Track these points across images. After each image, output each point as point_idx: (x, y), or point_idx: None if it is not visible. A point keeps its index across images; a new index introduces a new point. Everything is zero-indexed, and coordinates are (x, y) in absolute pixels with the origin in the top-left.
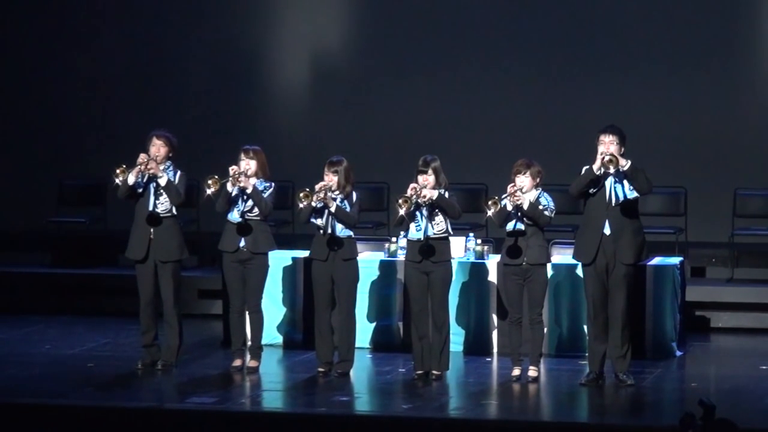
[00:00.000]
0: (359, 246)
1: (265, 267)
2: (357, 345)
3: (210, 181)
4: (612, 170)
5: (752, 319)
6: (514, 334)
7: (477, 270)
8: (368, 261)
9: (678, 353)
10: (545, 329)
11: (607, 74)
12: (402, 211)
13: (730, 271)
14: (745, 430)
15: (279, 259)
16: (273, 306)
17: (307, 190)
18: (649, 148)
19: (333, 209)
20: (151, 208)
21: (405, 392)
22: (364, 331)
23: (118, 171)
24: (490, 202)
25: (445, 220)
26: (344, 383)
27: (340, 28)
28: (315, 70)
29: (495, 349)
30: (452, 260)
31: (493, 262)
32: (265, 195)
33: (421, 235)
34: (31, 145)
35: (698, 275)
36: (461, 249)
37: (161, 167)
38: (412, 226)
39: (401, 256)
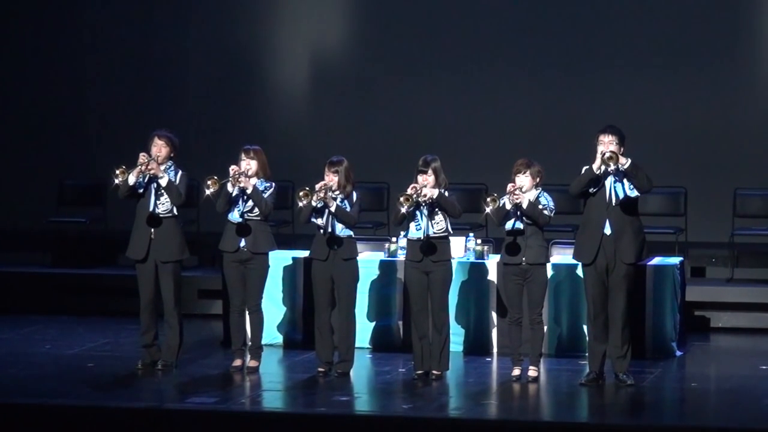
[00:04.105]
0: (359, 246)
1: (265, 267)
2: (357, 345)
3: (209, 182)
4: (612, 167)
5: (752, 319)
6: (514, 334)
7: (477, 270)
8: (368, 261)
9: (678, 353)
10: (545, 329)
11: (607, 74)
12: (403, 210)
13: (730, 271)
14: (745, 430)
15: (279, 259)
16: (273, 306)
17: (307, 189)
18: (649, 148)
19: (333, 209)
20: (151, 208)
21: (405, 392)
22: (364, 331)
23: (117, 171)
24: (488, 199)
25: (445, 220)
26: (344, 383)
27: (340, 28)
28: (315, 70)
29: (495, 349)
30: (452, 260)
31: (493, 261)
32: (266, 195)
33: (421, 235)
34: (31, 145)
35: (698, 275)
36: (461, 249)
37: (162, 167)
38: (412, 225)
39: (401, 256)
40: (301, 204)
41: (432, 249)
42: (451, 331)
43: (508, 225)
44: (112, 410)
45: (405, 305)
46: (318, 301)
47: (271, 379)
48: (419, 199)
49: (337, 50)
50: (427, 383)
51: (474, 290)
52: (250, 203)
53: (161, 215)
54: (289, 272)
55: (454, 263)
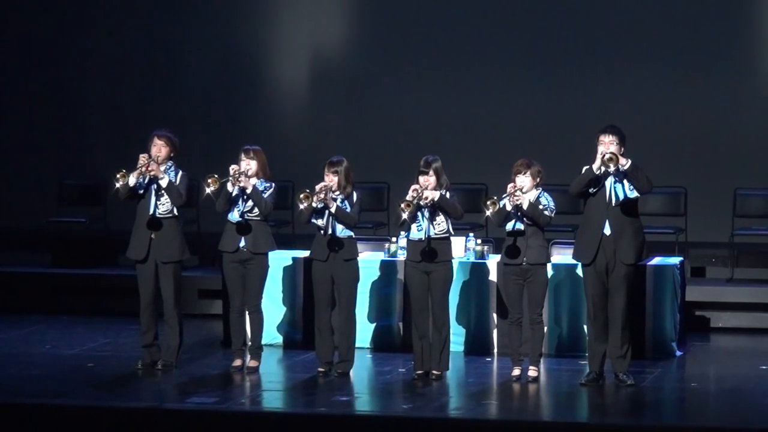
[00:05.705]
0: (359, 246)
1: (265, 267)
2: (357, 345)
3: (210, 180)
4: (612, 168)
5: (752, 319)
6: (514, 334)
7: (477, 270)
8: (368, 261)
9: (678, 353)
10: (545, 329)
11: (607, 74)
12: (405, 215)
13: (730, 271)
14: (745, 430)
15: (279, 259)
16: (273, 306)
17: (307, 191)
18: (649, 148)
19: (333, 210)
20: (152, 209)
21: (405, 392)
22: (364, 331)
23: (118, 176)
24: (488, 202)
25: (446, 220)
26: (344, 383)
27: (339, 28)
28: (315, 70)
29: (495, 349)
30: (453, 260)
31: (493, 262)
32: (266, 195)
33: (422, 236)
34: (31, 145)
35: (698, 275)
36: (461, 249)
37: (162, 167)
38: (414, 226)
39: (401, 256)
40: (302, 206)
41: (432, 254)
42: (451, 331)
43: (509, 226)
44: (112, 410)
45: (405, 305)
46: (318, 302)
47: (271, 379)
48: (421, 203)
49: (337, 50)
50: (427, 383)
51: (474, 290)
52: (250, 203)
53: (161, 216)
54: (289, 272)
55: (455, 263)
